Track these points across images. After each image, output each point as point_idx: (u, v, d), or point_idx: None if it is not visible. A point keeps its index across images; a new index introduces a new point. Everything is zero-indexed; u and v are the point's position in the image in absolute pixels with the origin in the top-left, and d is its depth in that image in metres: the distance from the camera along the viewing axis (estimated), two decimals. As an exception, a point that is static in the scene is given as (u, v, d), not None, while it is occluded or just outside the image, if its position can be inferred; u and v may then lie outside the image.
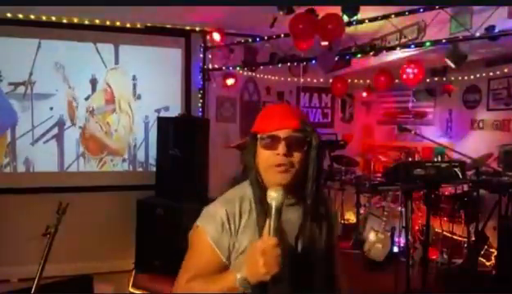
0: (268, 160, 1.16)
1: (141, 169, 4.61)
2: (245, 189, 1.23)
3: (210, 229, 1.16)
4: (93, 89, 4.44)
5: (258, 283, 1.03)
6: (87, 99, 4.42)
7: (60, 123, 4.35)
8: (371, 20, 3.57)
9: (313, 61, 4.14)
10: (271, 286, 1.03)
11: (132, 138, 4.58)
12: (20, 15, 4.14)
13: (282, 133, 1.15)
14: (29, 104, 4.26)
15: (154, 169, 4.38)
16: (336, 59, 3.91)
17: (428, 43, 3.38)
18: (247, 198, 1.21)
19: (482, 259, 3.97)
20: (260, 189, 1.18)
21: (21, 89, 4.24)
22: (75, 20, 4.31)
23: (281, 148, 1.14)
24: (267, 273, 1.00)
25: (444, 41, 3.27)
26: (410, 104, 5.67)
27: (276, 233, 1.02)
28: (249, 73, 5.08)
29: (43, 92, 4.29)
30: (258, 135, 1.19)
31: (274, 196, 1.05)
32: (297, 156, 1.16)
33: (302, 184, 1.20)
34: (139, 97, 4.58)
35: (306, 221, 1.21)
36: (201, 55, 4.73)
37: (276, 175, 1.15)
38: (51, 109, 4.32)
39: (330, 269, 1.27)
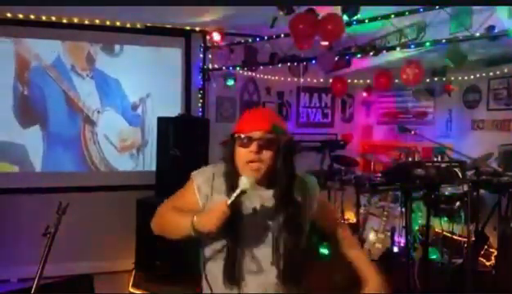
0: (243, 156, 1.40)
1: (141, 169, 4.61)
2: (222, 165, 1.50)
3: (198, 178, 1.49)
4: (93, 89, 4.45)
5: (198, 234, 1.30)
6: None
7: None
8: (371, 19, 3.57)
9: (313, 61, 4.14)
10: (221, 233, 1.32)
11: (133, 138, 4.58)
12: (20, 15, 4.14)
13: (255, 135, 1.39)
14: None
15: (154, 169, 4.39)
16: (336, 59, 3.91)
17: (428, 43, 3.38)
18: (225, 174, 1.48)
19: (482, 259, 3.96)
20: (232, 178, 1.41)
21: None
22: (75, 20, 4.31)
23: (253, 146, 1.38)
24: (204, 227, 1.28)
25: (444, 41, 3.27)
26: (410, 104, 5.66)
27: (230, 206, 1.27)
28: (249, 73, 5.08)
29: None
30: (236, 136, 1.43)
31: (243, 182, 1.31)
32: (266, 154, 1.39)
33: (272, 177, 1.43)
34: (139, 97, 4.58)
35: (278, 205, 1.44)
36: (201, 55, 4.73)
37: (249, 172, 1.37)
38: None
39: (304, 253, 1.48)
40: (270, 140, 1.40)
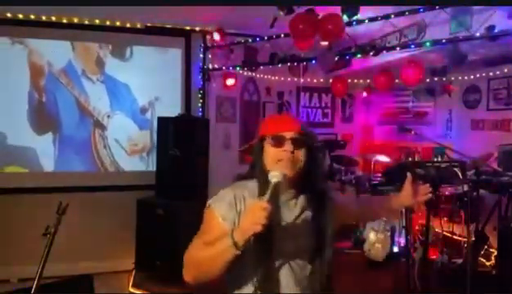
0: (276, 156, 1.35)
1: (141, 169, 4.61)
2: (249, 183, 1.42)
3: (219, 206, 1.36)
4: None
5: (242, 246, 1.19)
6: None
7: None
8: (371, 19, 3.57)
9: (313, 61, 4.13)
10: (255, 248, 1.24)
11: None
12: (20, 15, 4.14)
13: (288, 134, 1.36)
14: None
15: (154, 169, 4.39)
16: (336, 59, 3.91)
17: (428, 43, 3.38)
18: (251, 189, 1.40)
19: (482, 259, 3.96)
20: (264, 183, 1.33)
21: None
22: (75, 20, 4.31)
23: (287, 145, 1.35)
24: (249, 229, 1.17)
25: (444, 41, 3.27)
26: (410, 104, 5.67)
27: (269, 201, 1.18)
28: (249, 73, 5.08)
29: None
30: (267, 136, 1.39)
31: (275, 174, 1.25)
32: (300, 154, 1.36)
33: (304, 180, 1.40)
34: (139, 97, 4.58)
35: (315, 210, 1.41)
36: (201, 55, 4.73)
37: (284, 168, 1.32)
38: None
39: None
40: (303, 140, 1.38)
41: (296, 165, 1.35)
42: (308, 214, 1.42)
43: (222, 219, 1.34)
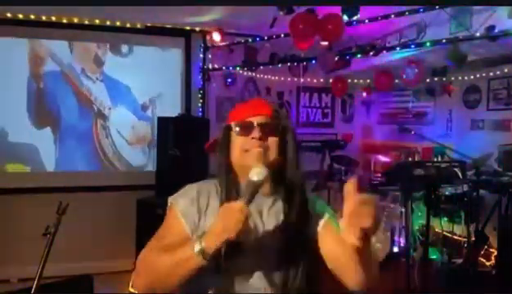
0: (243, 145, 1.18)
1: (141, 169, 4.61)
2: (216, 182, 1.25)
3: (180, 202, 1.22)
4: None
5: (214, 255, 1.02)
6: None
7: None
8: (371, 19, 3.57)
9: (313, 61, 4.14)
10: (227, 258, 1.03)
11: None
12: (20, 15, 4.14)
13: (256, 119, 1.18)
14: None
15: (154, 169, 4.39)
16: (336, 59, 3.91)
17: (428, 43, 3.38)
18: (216, 188, 1.24)
19: (482, 259, 3.96)
20: (229, 182, 1.19)
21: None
22: (75, 20, 4.31)
23: (256, 132, 1.16)
24: (222, 235, 1.00)
25: (444, 41, 3.27)
26: (410, 104, 5.66)
27: (246, 203, 1.03)
28: (249, 73, 5.08)
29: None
30: (232, 124, 1.21)
31: (258, 171, 1.07)
32: (272, 141, 1.18)
33: (280, 171, 1.19)
34: (138, 97, 4.58)
35: (291, 208, 1.19)
36: (201, 55, 4.73)
37: (253, 159, 1.14)
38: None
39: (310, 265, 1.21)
40: (273, 125, 1.19)
41: (267, 155, 1.16)
42: (276, 219, 1.20)
43: (181, 214, 1.19)
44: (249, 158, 1.15)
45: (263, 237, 1.17)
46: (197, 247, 1.02)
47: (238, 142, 1.19)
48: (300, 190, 1.21)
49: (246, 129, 1.18)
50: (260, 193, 1.12)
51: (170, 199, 1.25)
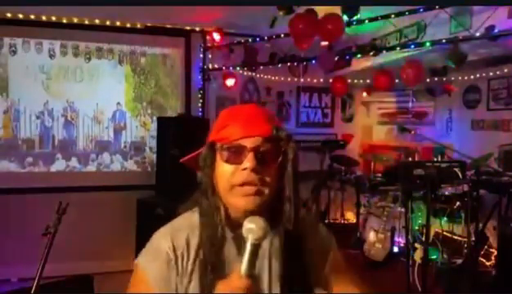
0: (231, 178, 0.91)
1: (141, 169, 4.61)
2: (196, 217, 0.98)
3: (153, 267, 0.95)
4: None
5: None
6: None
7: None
8: (371, 19, 3.57)
9: (313, 61, 4.13)
10: None
11: (133, 138, 4.59)
12: (20, 15, 4.14)
13: (249, 142, 0.91)
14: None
15: (154, 169, 4.39)
16: (336, 59, 3.91)
17: (428, 43, 3.38)
18: (197, 230, 0.97)
19: (482, 259, 3.96)
20: (212, 219, 0.94)
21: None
22: (75, 20, 4.31)
23: (248, 161, 0.89)
24: None
25: (444, 41, 3.27)
26: (410, 104, 5.66)
27: (248, 275, 0.80)
28: (249, 73, 5.08)
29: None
30: (217, 145, 0.95)
31: (251, 228, 0.82)
32: (269, 172, 0.91)
33: (275, 209, 0.95)
34: (138, 97, 4.58)
35: (285, 257, 0.95)
36: (201, 55, 4.73)
37: (242, 199, 0.90)
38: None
39: None
40: (272, 151, 0.92)
41: (260, 195, 0.90)
42: (276, 266, 0.96)
43: (158, 287, 0.93)
44: (239, 199, 0.90)
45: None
46: None
47: (225, 171, 0.92)
48: (297, 230, 0.95)
49: (236, 155, 0.91)
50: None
51: (139, 260, 1.00)
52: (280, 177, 0.94)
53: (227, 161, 0.92)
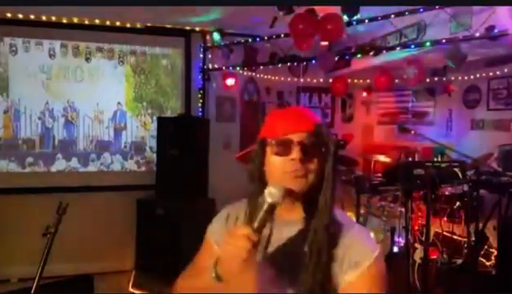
0: (281, 167, 1.04)
1: (141, 169, 4.61)
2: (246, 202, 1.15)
3: (213, 226, 1.21)
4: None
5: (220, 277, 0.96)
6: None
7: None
8: (371, 19, 3.57)
9: (313, 61, 4.13)
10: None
11: (133, 138, 4.59)
12: (20, 15, 4.14)
13: (296, 137, 1.04)
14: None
15: (154, 169, 4.39)
16: (336, 59, 3.91)
17: (428, 43, 3.38)
18: (246, 207, 1.13)
19: (482, 259, 3.96)
20: (256, 203, 1.04)
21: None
22: (75, 20, 4.31)
23: (296, 153, 1.03)
24: (228, 262, 0.93)
25: (444, 41, 3.27)
26: (410, 104, 5.66)
27: (256, 229, 0.93)
28: (249, 73, 5.08)
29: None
30: (268, 140, 1.08)
31: (272, 192, 0.97)
32: (313, 163, 1.05)
33: (313, 199, 1.06)
34: (139, 97, 4.58)
35: (314, 242, 1.02)
36: (201, 55, 4.73)
37: (292, 181, 1.03)
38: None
39: None
40: (316, 145, 1.05)
41: (306, 179, 1.04)
42: (300, 246, 1.05)
43: (213, 240, 1.17)
44: (290, 181, 1.04)
45: (283, 263, 1.06)
46: (213, 274, 0.97)
47: (275, 162, 1.06)
48: (329, 220, 1.05)
49: (285, 148, 1.05)
50: (286, 217, 1.06)
51: (208, 228, 1.24)
52: (322, 168, 1.06)
53: (277, 153, 1.06)
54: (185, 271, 1.21)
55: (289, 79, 5.39)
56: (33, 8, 4.06)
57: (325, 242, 1.02)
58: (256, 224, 0.94)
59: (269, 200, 0.96)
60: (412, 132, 4.09)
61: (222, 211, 1.23)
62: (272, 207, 0.97)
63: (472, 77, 4.84)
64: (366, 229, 1.21)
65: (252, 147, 1.14)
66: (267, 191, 0.98)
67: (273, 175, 1.07)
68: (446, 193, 4.18)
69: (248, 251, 0.91)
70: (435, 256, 4.13)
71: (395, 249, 4.31)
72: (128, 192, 4.32)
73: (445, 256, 4.08)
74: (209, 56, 4.78)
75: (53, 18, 4.25)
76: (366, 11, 3.48)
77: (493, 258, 3.92)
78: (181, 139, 3.97)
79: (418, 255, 4.03)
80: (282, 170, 1.04)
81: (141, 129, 4.60)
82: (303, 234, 1.06)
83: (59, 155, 4.39)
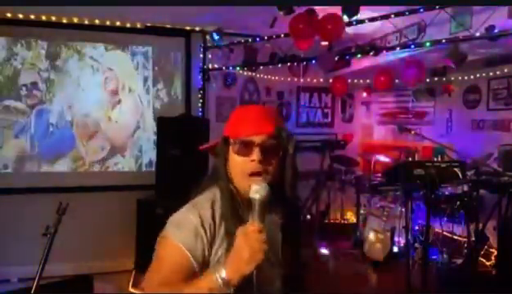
0: (242, 167, 1.13)
1: (141, 169, 4.61)
2: (216, 193, 1.19)
3: (180, 235, 1.11)
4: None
5: (241, 281, 0.98)
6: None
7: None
8: (371, 19, 3.57)
9: (313, 61, 4.13)
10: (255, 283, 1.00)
11: (133, 138, 4.59)
12: (20, 15, 4.14)
13: (257, 139, 1.12)
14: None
15: (154, 169, 4.39)
16: (336, 59, 3.91)
17: (428, 43, 3.38)
18: (218, 202, 1.17)
19: (482, 259, 3.97)
20: (231, 197, 1.15)
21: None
22: (75, 20, 4.31)
23: (256, 154, 1.11)
24: (252, 260, 0.96)
25: (444, 41, 3.27)
26: (410, 104, 5.66)
27: (260, 222, 1.01)
28: (249, 73, 5.08)
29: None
30: (231, 140, 1.16)
31: (256, 189, 1.04)
32: (272, 163, 1.13)
33: (277, 190, 1.14)
34: (139, 97, 4.58)
35: (287, 230, 1.20)
36: (201, 55, 4.73)
37: (250, 183, 1.09)
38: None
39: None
40: (275, 146, 1.14)
41: (266, 178, 1.11)
42: (274, 236, 1.16)
43: (186, 249, 1.09)
44: (248, 184, 1.09)
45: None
46: (218, 280, 0.97)
47: (236, 161, 1.15)
48: (296, 215, 1.25)
49: (246, 149, 1.12)
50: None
51: (164, 232, 1.14)
52: (282, 169, 1.16)
53: (238, 153, 1.14)
54: (150, 279, 1.10)
55: (289, 79, 5.39)
56: (33, 8, 4.06)
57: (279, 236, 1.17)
58: (258, 220, 1.01)
59: (257, 197, 1.03)
60: (412, 132, 4.10)
61: (185, 220, 1.13)
62: (264, 203, 1.03)
63: (472, 77, 4.83)
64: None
65: (216, 141, 1.21)
66: (253, 189, 1.04)
67: (234, 173, 1.15)
68: (446, 193, 4.18)
69: (264, 243, 0.97)
70: (435, 256, 4.14)
71: (395, 249, 4.32)
72: (128, 192, 4.32)
73: (445, 256, 4.08)
74: (209, 56, 4.78)
75: (53, 18, 4.24)
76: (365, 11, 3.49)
77: (493, 258, 3.92)
78: (182, 139, 3.97)
79: (418, 255, 4.04)
80: (242, 170, 1.13)
81: (142, 129, 4.60)
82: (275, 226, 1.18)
83: (59, 155, 4.39)
